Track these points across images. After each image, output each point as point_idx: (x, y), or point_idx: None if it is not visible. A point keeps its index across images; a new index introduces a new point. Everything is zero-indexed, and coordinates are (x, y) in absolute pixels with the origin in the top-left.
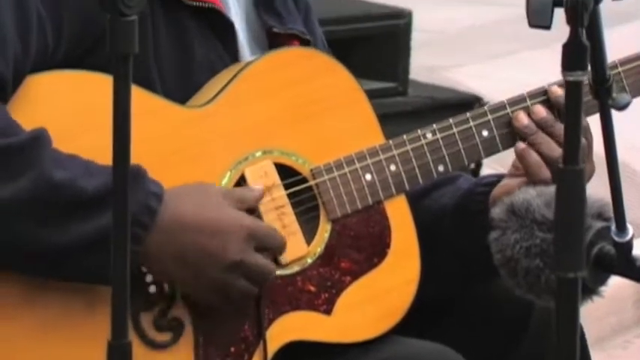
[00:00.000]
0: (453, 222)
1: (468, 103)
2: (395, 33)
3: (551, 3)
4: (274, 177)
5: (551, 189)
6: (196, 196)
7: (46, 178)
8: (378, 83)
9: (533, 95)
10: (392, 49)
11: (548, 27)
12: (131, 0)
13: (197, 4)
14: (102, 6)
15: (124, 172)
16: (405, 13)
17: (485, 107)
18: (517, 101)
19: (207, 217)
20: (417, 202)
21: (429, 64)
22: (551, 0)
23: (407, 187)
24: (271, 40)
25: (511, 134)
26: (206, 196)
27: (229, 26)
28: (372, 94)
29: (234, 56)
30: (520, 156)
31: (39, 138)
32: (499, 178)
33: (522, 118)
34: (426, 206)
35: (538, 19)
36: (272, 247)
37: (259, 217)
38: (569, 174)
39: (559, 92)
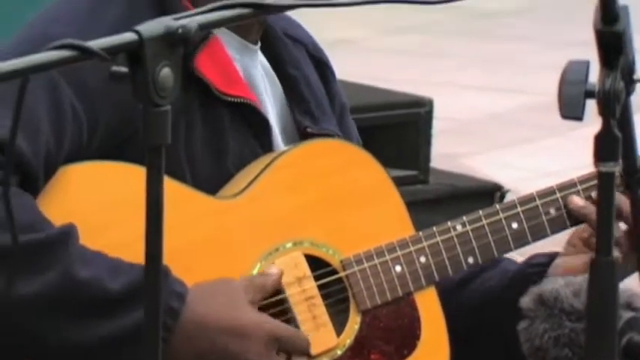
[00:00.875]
0: (502, 305)
1: (489, 191)
2: (416, 121)
3: (583, 95)
4: (304, 268)
5: (580, 278)
6: (219, 295)
7: (71, 275)
8: (399, 171)
9: (562, 188)
10: (413, 137)
11: (580, 118)
12: (164, 90)
13: (233, 99)
14: (135, 96)
15: (155, 269)
16: (425, 101)
17: (515, 199)
18: (546, 193)
19: (230, 319)
20: (462, 286)
21: (448, 151)
22: (583, 92)
23: (437, 278)
24: (304, 139)
25: (540, 225)
26: (229, 294)
27: (264, 122)
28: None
29: (268, 151)
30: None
31: (66, 234)
32: (551, 258)
33: (578, 200)
34: (473, 290)
35: (570, 111)
36: (295, 351)
37: (289, 308)
38: (603, 264)
39: (580, 203)
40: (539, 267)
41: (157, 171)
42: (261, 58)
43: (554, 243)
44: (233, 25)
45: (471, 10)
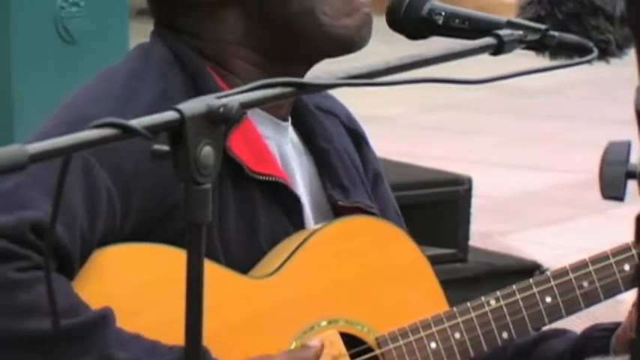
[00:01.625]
0: None
1: (528, 270)
2: (455, 199)
3: (625, 175)
4: (340, 347)
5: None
6: None
7: (109, 359)
8: (437, 249)
9: (595, 261)
10: (452, 216)
11: (621, 199)
12: (205, 168)
13: (264, 177)
14: (178, 175)
15: (196, 351)
16: (464, 179)
17: (548, 273)
18: (579, 267)
19: None
20: (525, 354)
21: (486, 229)
22: (624, 172)
23: (472, 354)
24: (336, 212)
25: (574, 299)
26: None
27: (295, 200)
28: (431, 261)
29: (299, 228)
30: None
31: (103, 318)
32: (616, 325)
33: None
34: (539, 356)
35: (612, 191)
36: None
37: None
38: None
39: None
40: (607, 332)
41: (197, 249)
42: (292, 134)
43: (589, 317)
44: (269, 104)
45: (510, 88)
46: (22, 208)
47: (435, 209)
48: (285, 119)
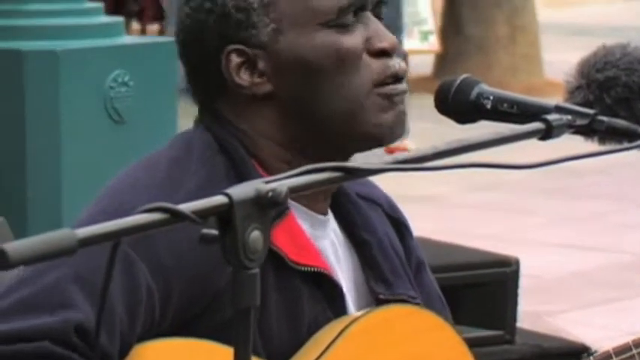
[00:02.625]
0: None
1: (576, 352)
2: (502, 281)
3: None
4: None
5: None
6: None
7: None
8: (484, 331)
9: (638, 344)
10: (499, 297)
11: None
12: (254, 253)
13: (306, 268)
14: (226, 259)
15: None
16: (512, 260)
17: (591, 358)
18: (622, 350)
19: None
20: None
21: (533, 309)
22: None
23: None
24: (379, 304)
25: None
26: None
27: (337, 290)
28: (478, 342)
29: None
30: None
31: None
32: None
33: None
34: None
35: None
36: None
37: None
38: None
39: None
40: None
41: (245, 333)
42: (333, 225)
43: None
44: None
45: (558, 169)
46: (64, 307)
47: (482, 290)
48: (324, 213)
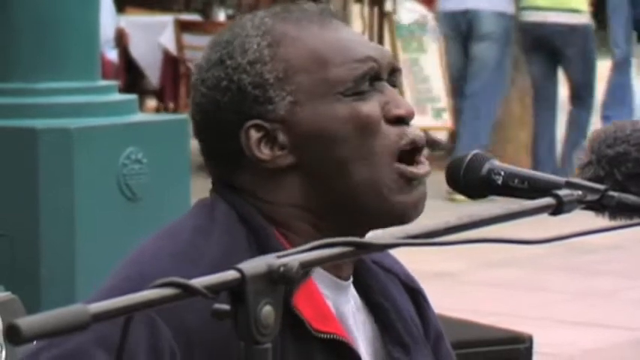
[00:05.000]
0: None
1: None
2: (516, 358)
3: None
4: None
5: None
6: None
7: None
8: None
9: None
10: None
11: None
12: (266, 328)
13: (325, 335)
14: (238, 334)
15: None
16: (525, 338)
17: None
18: None
19: None
20: None
21: None
22: None
23: None
24: None
25: None
26: None
27: (356, 358)
28: None
29: None
30: None
31: None
32: None
33: None
34: None
35: None
36: None
37: None
38: None
39: None
40: None
41: None
42: (352, 292)
43: None
44: (329, 264)
45: (574, 245)
46: None
47: None
48: (346, 279)
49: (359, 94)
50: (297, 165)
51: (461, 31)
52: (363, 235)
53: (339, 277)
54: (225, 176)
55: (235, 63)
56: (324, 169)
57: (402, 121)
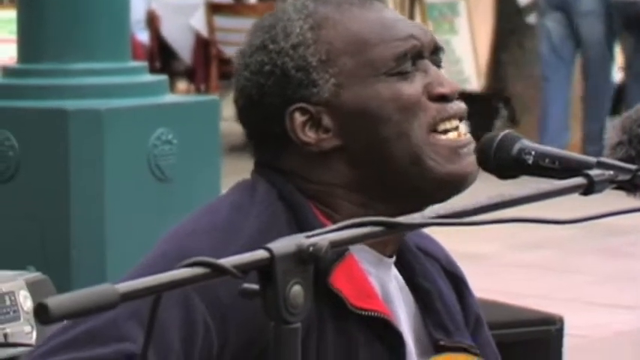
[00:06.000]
0: None
1: None
2: (547, 339)
3: None
4: None
5: None
6: None
7: None
8: None
9: None
10: (543, 355)
11: None
12: (295, 308)
13: (367, 313)
14: (267, 313)
15: None
16: (556, 319)
17: None
18: None
19: None
20: None
21: None
22: None
23: None
24: (438, 351)
25: None
26: None
27: (398, 336)
28: None
29: None
30: None
31: None
32: None
33: None
34: None
35: None
36: None
37: None
38: None
39: None
40: None
41: None
42: (394, 271)
43: None
44: (369, 241)
45: (605, 227)
46: (119, 340)
47: (526, 348)
48: (391, 256)
49: (401, 74)
50: (342, 147)
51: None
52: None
53: (384, 254)
54: (269, 159)
55: (278, 47)
56: (369, 150)
57: (446, 98)
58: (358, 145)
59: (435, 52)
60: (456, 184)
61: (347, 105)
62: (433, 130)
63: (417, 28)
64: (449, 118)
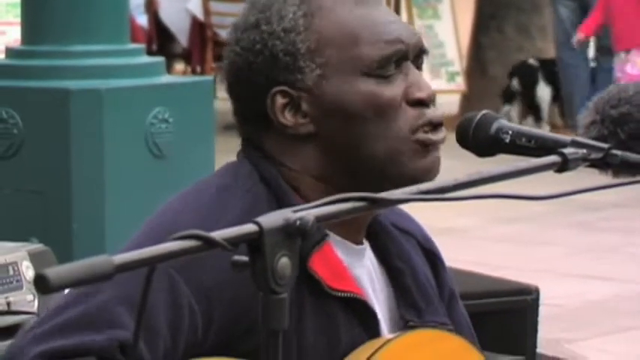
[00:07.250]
0: None
1: None
2: (523, 309)
3: None
4: None
5: None
6: None
7: None
8: (506, 357)
9: None
10: (519, 325)
11: None
12: (282, 279)
13: (342, 294)
14: (256, 284)
15: None
16: (532, 289)
17: None
18: None
19: None
20: None
21: (553, 337)
22: None
23: None
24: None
25: None
26: None
27: (372, 315)
28: None
29: None
30: None
31: None
32: None
33: None
34: None
35: None
36: None
37: None
38: None
39: None
40: None
41: (274, 355)
42: (369, 255)
43: None
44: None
45: (579, 203)
46: (111, 326)
47: (503, 317)
48: (359, 243)
49: (383, 77)
50: (316, 134)
51: None
52: None
53: (353, 242)
54: (253, 136)
55: (271, 29)
56: (341, 142)
57: (423, 103)
58: (331, 136)
59: (419, 54)
60: (422, 180)
61: (327, 96)
62: (411, 133)
63: (406, 31)
64: (426, 124)
